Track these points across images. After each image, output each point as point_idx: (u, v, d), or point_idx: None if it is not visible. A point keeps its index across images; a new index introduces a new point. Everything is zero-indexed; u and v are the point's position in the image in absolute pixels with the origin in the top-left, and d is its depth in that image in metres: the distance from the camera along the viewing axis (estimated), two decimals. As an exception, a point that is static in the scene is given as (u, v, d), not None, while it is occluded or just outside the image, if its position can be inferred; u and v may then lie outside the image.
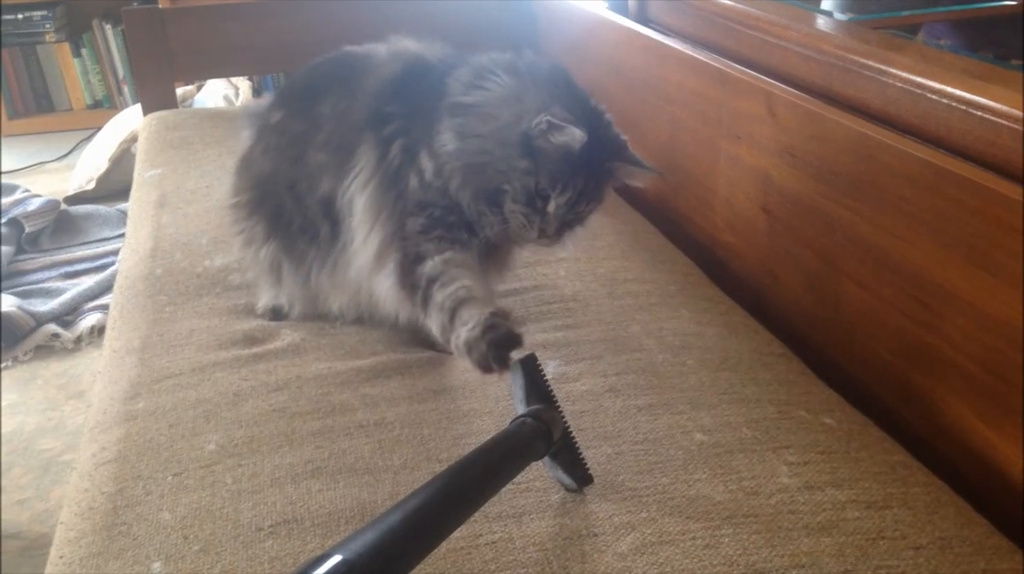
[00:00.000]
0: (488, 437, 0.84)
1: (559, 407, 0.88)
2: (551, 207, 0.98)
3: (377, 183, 1.07)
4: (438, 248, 1.00)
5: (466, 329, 0.87)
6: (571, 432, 0.88)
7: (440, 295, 0.95)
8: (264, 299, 1.26)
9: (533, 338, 1.17)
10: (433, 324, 0.96)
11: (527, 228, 1.00)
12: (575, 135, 0.94)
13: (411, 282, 1.01)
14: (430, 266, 0.99)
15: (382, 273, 1.08)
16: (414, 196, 1.05)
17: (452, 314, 0.92)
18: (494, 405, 1.03)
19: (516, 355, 0.89)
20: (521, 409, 0.86)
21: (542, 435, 0.82)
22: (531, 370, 0.88)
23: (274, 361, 1.14)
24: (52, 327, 2.12)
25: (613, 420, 0.99)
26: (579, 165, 0.97)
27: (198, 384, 1.09)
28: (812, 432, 0.96)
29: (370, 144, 1.07)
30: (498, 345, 0.85)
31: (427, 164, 1.04)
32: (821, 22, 1.31)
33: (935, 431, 1.00)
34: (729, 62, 1.40)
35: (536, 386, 0.87)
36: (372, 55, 1.16)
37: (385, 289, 1.08)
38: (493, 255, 1.10)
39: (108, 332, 1.28)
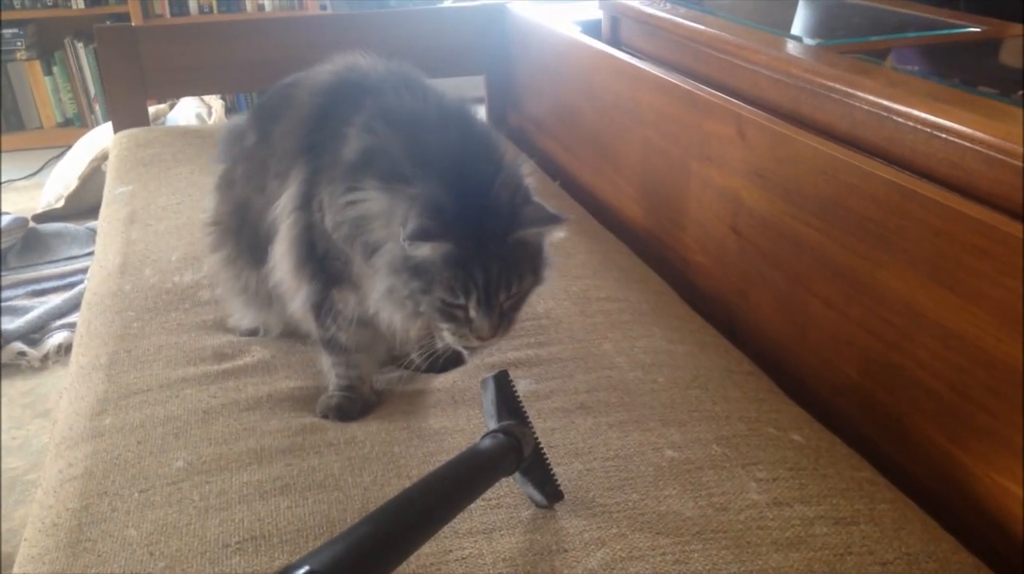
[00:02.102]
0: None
1: (530, 423, 0.88)
2: (472, 314, 0.89)
3: (296, 217, 1.05)
4: (335, 319, 1.06)
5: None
6: (542, 448, 0.88)
7: (333, 372, 1.11)
8: (236, 316, 1.25)
9: (505, 356, 1.17)
10: (324, 361, 1.12)
11: (467, 340, 0.91)
12: (436, 247, 0.86)
13: (321, 322, 1.08)
14: (332, 332, 1.07)
15: (295, 298, 1.09)
16: (321, 237, 1.02)
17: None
18: (465, 423, 1.03)
19: (488, 372, 0.90)
20: (492, 424, 0.86)
21: (513, 451, 0.82)
22: (503, 386, 0.88)
23: (244, 378, 1.13)
24: (19, 345, 2.09)
25: (584, 437, 0.99)
26: (473, 259, 0.87)
27: (167, 401, 1.08)
28: (781, 449, 0.97)
29: (296, 173, 1.05)
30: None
31: (328, 221, 1.00)
32: (790, 46, 1.34)
33: (901, 448, 1.02)
34: (700, 85, 1.42)
35: (507, 402, 0.88)
36: (312, 74, 1.13)
37: (298, 311, 1.10)
38: None
39: (75, 348, 1.27)
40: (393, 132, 0.93)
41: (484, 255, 0.87)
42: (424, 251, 0.87)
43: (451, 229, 0.85)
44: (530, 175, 0.97)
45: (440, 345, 0.95)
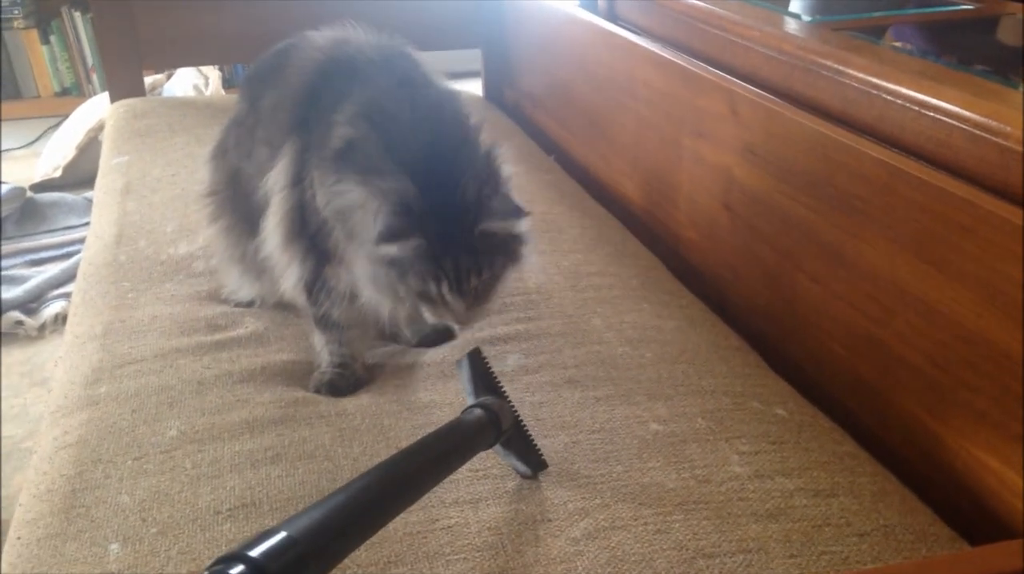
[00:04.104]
0: (445, 427, 0.85)
1: (507, 397, 0.89)
2: (447, 298, 0.95)
3: (287, 193, 1.07)
4: (329, 295, 1.08)
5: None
6: (522, 421, 0.89)
7: (326, 350, 1.12)
8: (233, 286, 1.26)
9: (496, 330, 1.18)
10: (316, 339, 1.14)
11: (446, 316, 0.98)
12: (407, 244, 0.91)
13: (314, 298, 1.10)
14: (325, 308, 1.09)
15: (286, 272, 1.11)
16: (312, 214, 1.05)
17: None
18: (453, 397, 1.04)
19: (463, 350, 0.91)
20: (471, 401, 0.88)
21: (491, 424, 0.84)
22: (477, 363, 0.90)
23: (237, 350, 1.15)
24: (16, 314, 2.10)
25: (571, 410, 1.01)
26: (443, 251, 0.92)
27: (161, 370, 1.10)
28: (764, 423, 0.98)
29: (288, 148, 1.07)
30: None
31: (319, 198, 1.03)
32: (783, 23, 1.33)
33: (883, 423, 1.03)
34: (694, 60, 1.42)
35: (483, 378, 0.89)
36: (304, 47, 1.14)
37: (290, 287, 1.12)
38: None
39: (70, 318, 1.28)
40: (374, 129, 0.96)
41: (453, 247, 0.92)
42: (392, 250, 0.92)
43: (420, 225, 0.90)
44: (506, 164, 1.00)
45: (431, 322, 0.98)
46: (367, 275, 0.98)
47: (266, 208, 1.10)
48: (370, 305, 1.02)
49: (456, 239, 0.92)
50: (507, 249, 0.98)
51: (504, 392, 0.90)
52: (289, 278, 1.10)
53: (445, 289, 0.94)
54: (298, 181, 1.05)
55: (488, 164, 0.97)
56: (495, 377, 0.90)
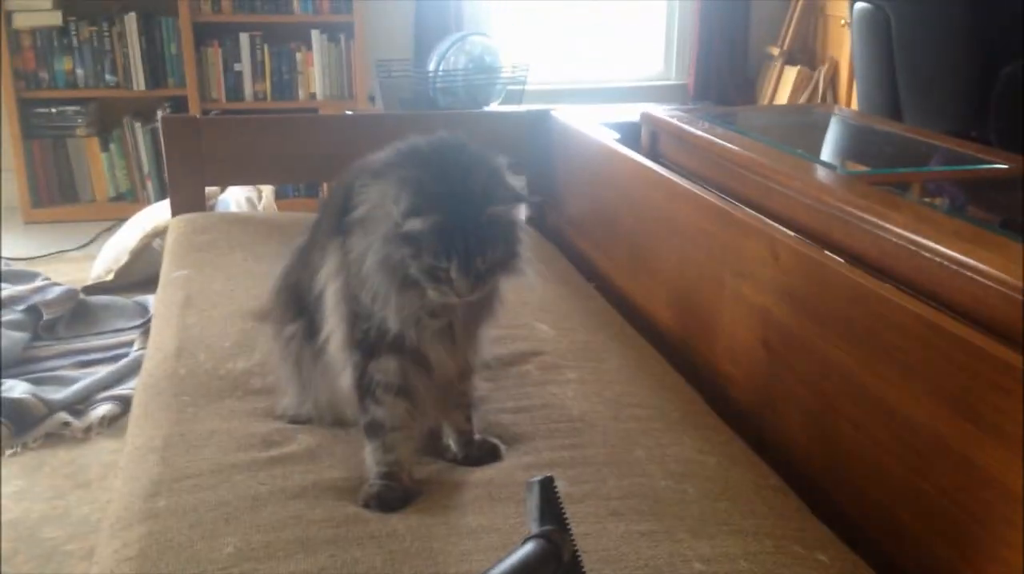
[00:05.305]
0: (494, 554, 0.87)
1: (571, 530, 0.92)
2: (453, 274, 1.05)
3: (338, 285, 1.16)
4: (373, 395, 1.16)
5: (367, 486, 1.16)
6: (579, 556, 0.92)
7: (372, 458, 1.17)
8: (287, 402, 1.31)
9: (541, 456, 1.21)
10: (365, 450, 1.18)
11: (447, 296, 1.07)
12: (427, 219, 1.03)
13: (362, 404, 1.18)
14: (371, 412, 1.17)
15: (343, 374, 1.20)
16: (351, 300, 1.15)
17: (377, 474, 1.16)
18: (502, 522, 1.07)
19: (536, 475, 0.94)
20: (534, 528, 0.90)
21: (552, 557, 0.86)
22: (547, 492, 0.92)
23: (291, 466, 1.18)
24: (63, 415, 2.15)
25: (616, 544, 1.03)
26: (455, 230, 1.04)
27: (217, 486, 1.14)
28: (807, 568, 1.00)
29: (333, 249, 1.17)
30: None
31: (351, 277, 1.13)
32: (822, 174, 1.41)
33: (924, 572, 1.04)
34: (736, 203, 1.49)
35: (550, 507, 0.91)
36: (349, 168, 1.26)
37: (346, 388, 1.20)
38: (455, 334, 1.17)
39: (131, 429, 1.33)
40: (393, 154, 1.13)
41: (464, 227, 1.04)
42: (415, 225, 1.03)
43: (437, 205, 1.03)
44: (506, 167, 1.13)
45: (433, 300, 1.08)
46: (378, 259, 1.07)
47: (323, 310, 1.18)
48: (376, 296, 1.09)
49: (467, 220, 1.04)
50: (507, 238, 1.10)
51: (568, 524, 0.92)
52: (344, 374, 1.18)
53: (454, 266, 1.04)
54: (342, 270, 1.14)
55: (492, 160, 1.12)
56: (563, 507, 0.93)
